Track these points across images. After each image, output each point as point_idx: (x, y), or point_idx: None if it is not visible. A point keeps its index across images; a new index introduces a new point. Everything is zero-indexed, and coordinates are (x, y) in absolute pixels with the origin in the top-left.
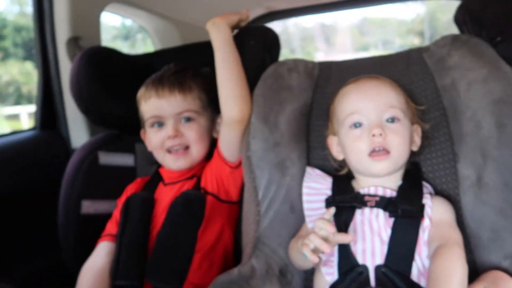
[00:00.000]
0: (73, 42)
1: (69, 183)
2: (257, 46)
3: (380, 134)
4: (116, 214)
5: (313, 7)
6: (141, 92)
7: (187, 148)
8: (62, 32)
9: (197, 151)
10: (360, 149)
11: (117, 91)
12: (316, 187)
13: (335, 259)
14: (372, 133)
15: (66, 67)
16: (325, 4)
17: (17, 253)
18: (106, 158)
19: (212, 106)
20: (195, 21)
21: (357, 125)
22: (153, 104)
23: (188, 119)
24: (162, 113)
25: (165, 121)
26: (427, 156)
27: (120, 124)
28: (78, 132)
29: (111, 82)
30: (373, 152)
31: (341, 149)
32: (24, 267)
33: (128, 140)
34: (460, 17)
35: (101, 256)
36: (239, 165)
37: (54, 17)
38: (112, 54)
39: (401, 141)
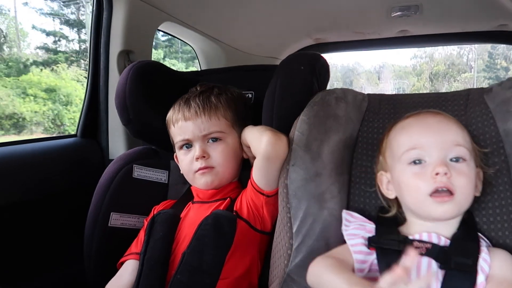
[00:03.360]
0: (124, 55)
1: (101, 192)
2: (306, 71)
3: (445, 173)
4: (141, 234)
5: (360, 42)
6: (170, 115)
7: (213, 168)
8: (116, 44)
9: (223, 170)
10: (420, 188)
11: (160, 105)
12: (357, 233)
13: None
14: (436, 171)
15: (114, 79)
16: (373, 40)
17: (41, 260)
18: (141, 172)
19: (240, 123)
20: (241, 47)
21: (417, 161)
22: (181, 127)
23: (215, 140)
24: (190, 136)
25: (193, 143)
26: (483, 205)
27: (158, 139)
28: (117, 143)
29: (155, 96)
30: (435, 193)
31: (395, 187)
32: (46, 276)
33: (164, 157)
34: None
35: (125, 275)
36: (276, 193)
37: (110, 30)
38: (159, 68)
39: (467, 183)
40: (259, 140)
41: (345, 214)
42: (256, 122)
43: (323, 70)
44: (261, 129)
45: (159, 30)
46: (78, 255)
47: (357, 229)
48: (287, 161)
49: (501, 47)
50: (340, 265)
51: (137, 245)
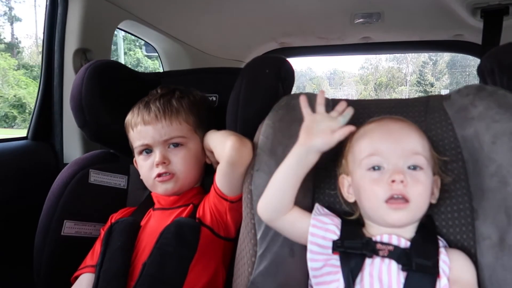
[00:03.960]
0: (81, 54)
1: (54, 199)
2: (271, 75)
3: (402, 181)
4: (98, 244)
5: (325, 48)
6: (128, 119)
7: (173, 174)
8: (71, 42)
9: (184, 177)
10: (377, 194)
11: (119, 107)
12: (325, 221)
13: None
14: (392, 179)
15: (70, 78)
16: (337, 46)
17: None
18: (97, 177)
19: (202, 128)
20: (206, 49)
21: (376, 167)
22: (141, 131)
23: (176, 145)
24: (150, 141)
25: (153, 148)
26: (442, 209)
27: (117, 143)
28: (72, 146)
29: (114, 97)
30: (391, 199)
31: (354, 191)
32: None
33: (123, 161)
34: (488, 67)
35: None
36: (240, 199)
37: (66, 27)
38: (118, 68)
39: (422, 191)
40: (223, 145)
41: (318, 205)
42: (220, 126)
43: (288, 74)
44: (225, 134)
45: (119, 29)
46: (27, 267)
47: (326, 217)
48: (251, 166)
49: (430, 65)
50: None
51: (92, 257)
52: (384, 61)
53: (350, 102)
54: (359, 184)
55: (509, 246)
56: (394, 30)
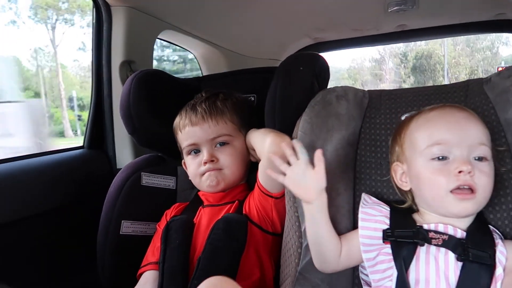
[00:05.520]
0: (126, 65)
1: (111, 202)
2: (306, 71)
3: (469, 172)
4: (156, 241)
5: (359, 39)
6: (176, 122)
7: (221, 169)
8: (117, 55)
9: (231, 173)
10: (441, 184)
11: (164, 113)
12: (373, 213)
13: None
14: (460, 169)
15: (118, 89)
16: (372, 36)
17: (54, 271)
18: (149, 179)
19: (246, 127)
20: (240, 50)
21: (440, 157)
22: (188, 132)
23: (223, 144)
24: (197, 140)
25: (201, 148)
26: (495, 200)
27: (164, 146)
28: (124, 153)
29: (159, 103)
30: (457, 189)
31: (411, 179)
32: (60, 284)
33: (171, 163)
34: None
35: (146, 285)
36: (283, 195)
37: (111, 42)
38: (162, 77)
39: (488, 182)
40: (263, 142)
41: (365, 195)
42: (261, 126)
43: (323, 69)
44: (264, 131)
45: (159, 39)
46: (91, 264)
47: (373, 209)
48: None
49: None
50: None
51: (153, 254)
52: (368, 58)
53: (385, 92)
54: (420, 173)
55: None
56: (430, 15)
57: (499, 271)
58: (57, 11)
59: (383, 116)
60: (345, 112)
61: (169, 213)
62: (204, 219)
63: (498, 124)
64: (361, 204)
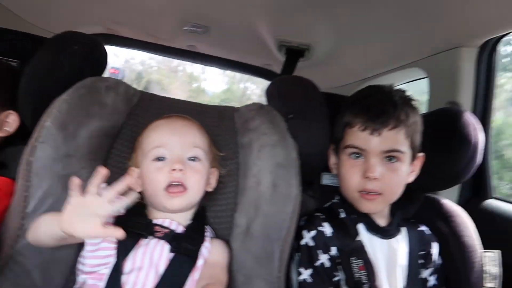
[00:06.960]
0: None
1: None
2: (80, 53)
3: (180, 170)
4: None
5: (153, 46)
6: None
7: None
8: None
9: None
10: (159, 181)
11: None
12: None
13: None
14: (173, 168)
15: None
16: (164, 47)
17: None
18: None
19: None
20: (23, 14)
21: (160, 158)
22: None
23: None
24: None
25: None
26: (215, 202)
27: None
28: None
29: None
30: (170, 187)
31: (141, 181)
32: None
33: None
34: (270, 91)
35: None
36: None
37: None
38: None
39: (199, 179)
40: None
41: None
42: None
43: (101, 57)
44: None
45: None
46: None
47: None
48: (35, 138)
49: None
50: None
51: None
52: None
53: (158, 98)
54: (145, 173)
55: (251, 233)
56: (217, 45)
57: (200, 262)
58: None
59: (149, 118)
60: (111, 104)
61: None
62: None
63: (236, 145)
64: None
